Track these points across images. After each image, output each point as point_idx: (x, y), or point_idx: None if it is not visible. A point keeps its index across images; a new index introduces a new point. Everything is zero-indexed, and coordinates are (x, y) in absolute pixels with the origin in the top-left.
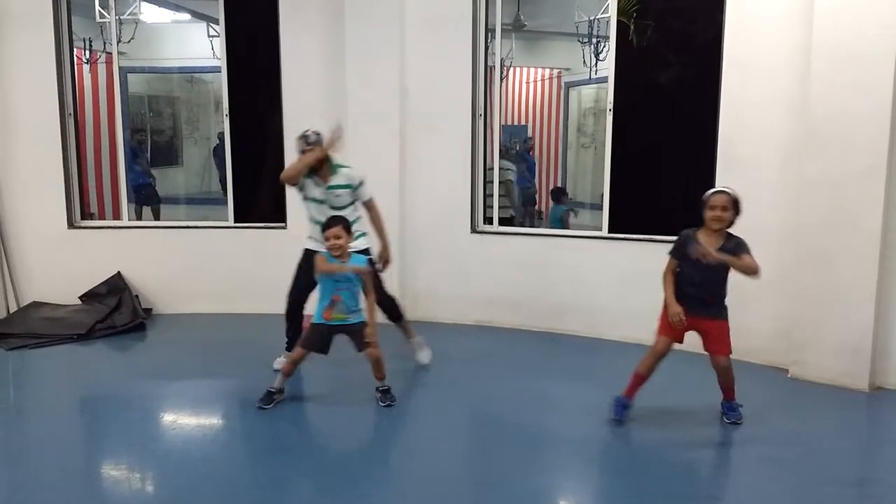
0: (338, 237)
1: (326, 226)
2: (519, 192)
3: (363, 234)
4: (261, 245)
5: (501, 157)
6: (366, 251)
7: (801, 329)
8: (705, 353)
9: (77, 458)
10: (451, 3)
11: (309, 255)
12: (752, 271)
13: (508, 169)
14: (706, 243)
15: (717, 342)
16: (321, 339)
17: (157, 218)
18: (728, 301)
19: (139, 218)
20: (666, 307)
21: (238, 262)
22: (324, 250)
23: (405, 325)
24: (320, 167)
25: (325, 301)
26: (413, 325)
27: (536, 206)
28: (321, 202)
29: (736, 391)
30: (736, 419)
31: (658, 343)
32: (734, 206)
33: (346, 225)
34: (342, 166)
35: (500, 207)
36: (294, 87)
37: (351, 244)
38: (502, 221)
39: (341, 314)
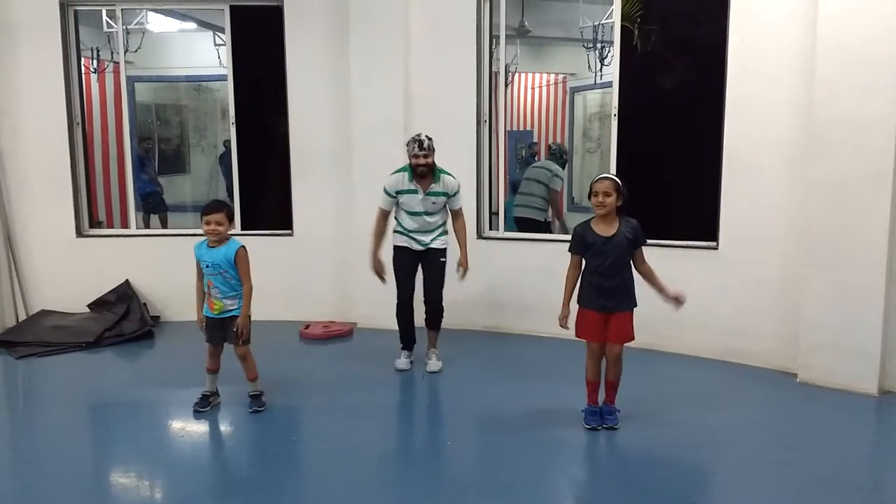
0: (219, 224)
1: (207, 210)
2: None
3: (446, 233)
4: (267, 252)
5: (554, 160)
6: (443, 251)
7: (809, 333)
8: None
9: (86, 465)
10: (455, 9)
11: (399, 251)
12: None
13: (557, 175)
14: (600, 230)
15: (621, 330)
16: (214, 331)
17: (164, 226)
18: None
19: (146, 226)
20: (580, 308)
21: None
22: (409, 245)
23: (436, 337)
24: (426, 175)
25: (206, 287)
26: (420, 331)
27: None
28: (415, 213)
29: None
30: (615, 423)
31: (589, 347)
32: (617, 191)
33: (230, 212)
34: (445, 172)
35: (533, 209)
36: (299, 95)
37: (432, 243)
38: (530, 227)
39: (217, 300)
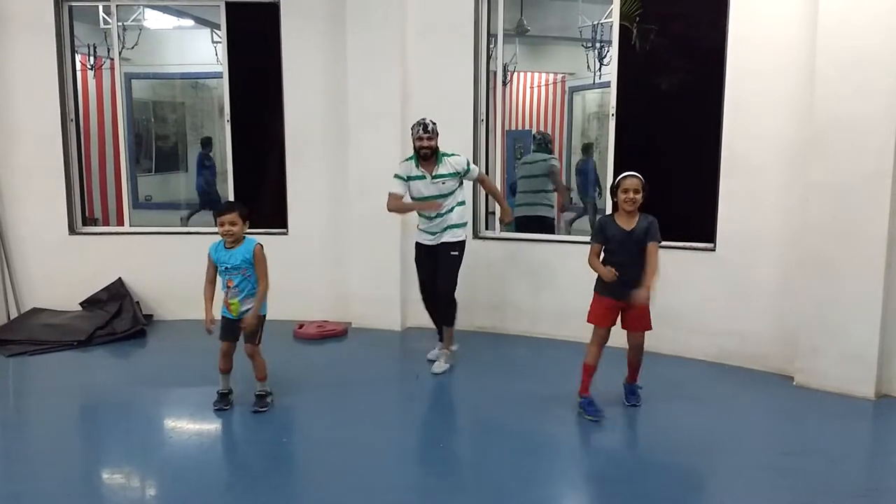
0: (233, 224)
1: (220, 211)
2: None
3: (460, 226)
4: None
5: (541, 150)
6: (455, 244)
7: (807, 336)
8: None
9: (77, 465)
10: (452, 8)
11: (419, 248)
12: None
13: (554, 159)
14: (622, 223)
15: (640, 319)
16: (229, 330)
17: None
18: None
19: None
20: (596, 294)
21: None
22: (422, 240)
23: (447, 335)
24: (429, 158)
25: (223, 287)
26: (415, 331)
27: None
28: (426, 199)
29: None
30: (636, 402)
31: (596, 332)
32: (643, 188)
33: (244, 212)
34: (448, 155)
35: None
36: (295, 93)
37: (444, 235)
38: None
39: (234, 300)
